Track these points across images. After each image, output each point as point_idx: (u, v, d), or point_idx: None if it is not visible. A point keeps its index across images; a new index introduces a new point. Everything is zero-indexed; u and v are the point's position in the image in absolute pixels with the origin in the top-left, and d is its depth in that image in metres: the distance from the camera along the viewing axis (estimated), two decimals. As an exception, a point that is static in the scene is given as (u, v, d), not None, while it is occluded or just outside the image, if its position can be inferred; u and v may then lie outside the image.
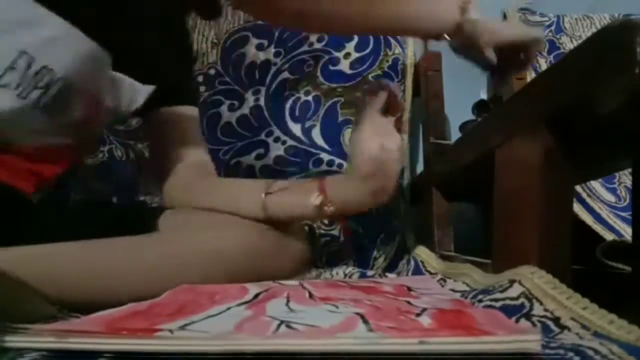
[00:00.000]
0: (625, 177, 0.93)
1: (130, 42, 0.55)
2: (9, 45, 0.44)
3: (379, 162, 0.54)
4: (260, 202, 0.57)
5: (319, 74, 0.94)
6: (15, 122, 0.46)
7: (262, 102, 0.94)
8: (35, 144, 0.51)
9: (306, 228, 0.81)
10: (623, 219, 0.83)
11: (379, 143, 0.54)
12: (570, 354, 0.25)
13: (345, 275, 0.67)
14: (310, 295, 0.41)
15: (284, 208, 0.57)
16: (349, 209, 0.58)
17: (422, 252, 0.69)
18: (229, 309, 0.36)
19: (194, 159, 0.65)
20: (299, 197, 0.57)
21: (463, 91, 0.72)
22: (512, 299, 0.36)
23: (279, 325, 0.29)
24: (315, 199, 0.55)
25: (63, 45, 0.45)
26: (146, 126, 0.68)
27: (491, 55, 0.62)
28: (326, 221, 0.62)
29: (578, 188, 0.86)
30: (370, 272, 0.68)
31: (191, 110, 0.68)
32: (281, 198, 0.57)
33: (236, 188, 0.62)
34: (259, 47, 0.98)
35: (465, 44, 0.63)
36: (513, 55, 0.64)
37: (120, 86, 0.55)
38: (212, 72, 0.99)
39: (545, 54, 1.09)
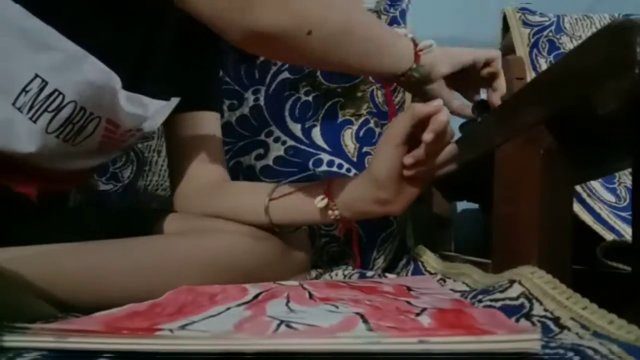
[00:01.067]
0: (625, 177, 0.93)
1: (149, 62, 0.54)
2: (24, 68, 0.44)
3: (399, 177, 0.50)
4: (264, 208, 0.56)
5: (318, 74, 0.94)
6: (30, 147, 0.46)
7: (261, 102, 0.94)
8: (55, 168, 0.51)
9: (305, 228, 0.81)
10: (623, 219, 0.83)
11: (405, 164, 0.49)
12: (570, 354, 0.25)
13: (345, 276, 0.67)
14: (310, 296, 0.41)
15: (287, 213, 0.57)
16: (353, 212, 0.54)
17: (422, 252, 0.69)
18: (228, 309, 0.36)
19: (208, 165, 0.64)
20: (303, 202, 0.55)
21: (463, 91, 0.72)
22: (512, 299, 0.36)
23: (278, 325, 0.29)
24: (320, 202, 0.53)
25: (74, 70, 0.45)
26: (165, 130, 0.68)
27: (444, 92, 0.59)
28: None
29: (578, 188, 0.86)
30: (370, 273, 0.68)
31: (211, 116, 0.67)
32: (285, 203, 0.56)
33: (242, 193, 0.61)
34: (259, 47, 0.98)
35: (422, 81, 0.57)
36: (478, 79, 0.61)
37: (139, 108, 0.54)
38: (212, 72, 0.99)
39: (545, 54, 1.09)
